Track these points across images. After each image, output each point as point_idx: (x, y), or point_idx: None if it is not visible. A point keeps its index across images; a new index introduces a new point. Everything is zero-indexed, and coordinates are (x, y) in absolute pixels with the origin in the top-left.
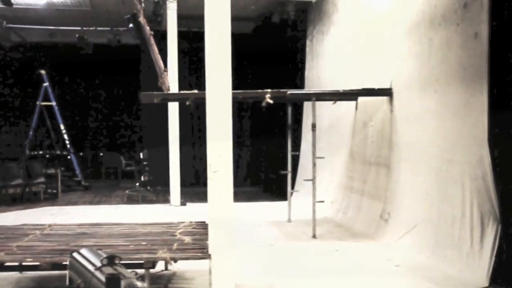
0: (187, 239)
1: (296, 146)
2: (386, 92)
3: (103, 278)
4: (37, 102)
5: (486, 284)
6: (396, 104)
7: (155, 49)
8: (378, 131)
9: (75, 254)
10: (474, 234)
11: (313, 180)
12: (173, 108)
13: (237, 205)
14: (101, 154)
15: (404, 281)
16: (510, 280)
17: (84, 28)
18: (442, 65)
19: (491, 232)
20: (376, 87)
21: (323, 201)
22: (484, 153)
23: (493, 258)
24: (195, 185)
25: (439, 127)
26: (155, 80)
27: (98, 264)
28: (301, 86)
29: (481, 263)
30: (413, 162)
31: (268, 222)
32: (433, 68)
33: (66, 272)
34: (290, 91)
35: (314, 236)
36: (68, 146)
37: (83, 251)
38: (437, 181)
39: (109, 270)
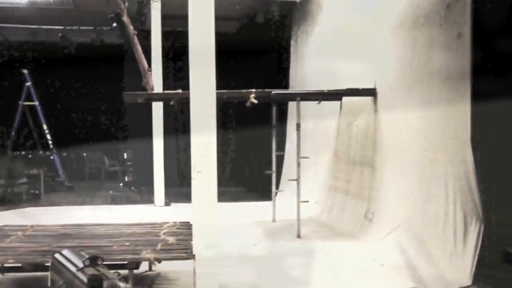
0: (171, 239)
1: (281, 146)
2: (370, 92)
3: (85, 279)
4: (20, 102)
5: (469, 283)
6: (380, 104)
7: (139, 48)
8: (362, 131)
9: (57, 255)
10: (457, 233)
11: (297, 180)
12: (157, 108)
13: (221, 205)
14: (85, 154)
15: (388, 281)
16: (492, 279)
17: (67, 27)
18: (425, 66)
19: (474, 231)
20: (360, 87)
21: (307, 201)
22: (467, 153)
23: (476, 257)
24: (180, 185)
25: (422, 127)
26: (139, 80)
27: (80, 265)
28: (286, 86)
29: (464, 262)
30: (397, 162)
31: (252, 222)
32: (417, 68)
33: (48, 273)
34: (274, 91)
35: (298, 236)
36: (51, 146)
37: (65, 252)
38: (420, 181)
39: (91, 271)
